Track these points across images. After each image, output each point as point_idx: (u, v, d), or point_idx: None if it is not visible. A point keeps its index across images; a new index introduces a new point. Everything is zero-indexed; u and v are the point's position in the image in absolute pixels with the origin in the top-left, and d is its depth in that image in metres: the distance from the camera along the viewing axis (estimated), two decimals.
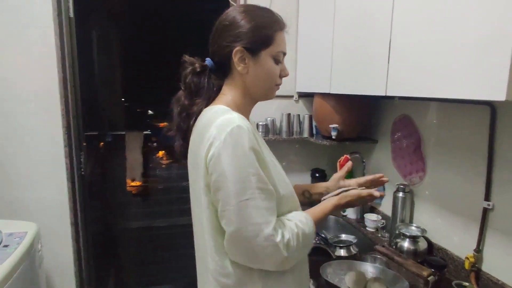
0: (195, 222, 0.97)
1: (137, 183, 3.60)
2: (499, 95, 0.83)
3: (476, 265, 1.28)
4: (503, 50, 0.81)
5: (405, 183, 1.65)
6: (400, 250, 1.44)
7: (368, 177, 1.13)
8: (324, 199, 1.03)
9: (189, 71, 0.95)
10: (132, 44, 4.04)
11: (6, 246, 1.43)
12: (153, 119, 5.24)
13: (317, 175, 2.14)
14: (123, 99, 4.07)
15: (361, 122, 1.89)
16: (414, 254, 1.43)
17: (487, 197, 1.24)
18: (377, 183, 1.13)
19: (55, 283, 1.94)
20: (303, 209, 0.98)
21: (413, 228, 1.52)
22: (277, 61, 0.93)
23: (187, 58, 0.97)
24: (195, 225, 0.98)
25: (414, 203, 1.63)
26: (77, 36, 1.90)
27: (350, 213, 1.95)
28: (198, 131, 0.90)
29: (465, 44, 0.93)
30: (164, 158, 4.73)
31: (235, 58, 0.89)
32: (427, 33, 1.07)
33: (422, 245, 1.46)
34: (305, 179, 2.19)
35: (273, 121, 2.11)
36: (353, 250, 1.53)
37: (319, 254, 1.49)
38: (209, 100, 0.96)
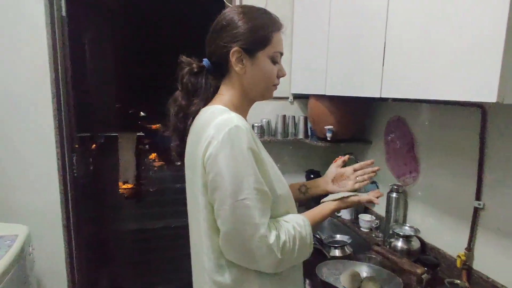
0: (192, 222, 0.97)
1: (129, 185, 3.57)
2: (490, 97, 0.85)
3: (468, 263, 1.30)
4: (494, 53, 0.83)
5: (399, 183, 1.67)
6: (393, 250, 1.46)
7: (361, 163, 1.15)
8: (323, 201, 1.04)
9: (186, 72, 0.96)
10: (125, 45, 4.02)
11: None
12: (145, 121, 5.21)
13: (311, 176, 2.15)
14: (115, 100, 4.04)
15: (355, 124, 1.91)
16: (408, 253, 1.45)
17: (478, 197, 1.27)
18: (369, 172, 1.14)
19: (46, 286, 1.91)
20: (300, 209, 0.99)
21: (407, 228, 1.54)
22: (274, 61, 0.94)
23: (184, 58, 0.97)
24: (192, 225, 0.97)
25: (407, 203, 1.65)
26: (69, 35, 1.88)
27: (345, 214, 1.97)
28: (196, 131, 0.90)
29: (457, 47, 0.95)
30: (156, 160, 4.70)
31: (233, 59, 0.90)
32: (420, 37, 1.09)
33: (415, 244, 1.48)
34: (299, 180, 2.17)
35: (268, 123, 2.12)
36: (348, 250, 1.54)
37: (314, 254, 1.49)
38: (207, 101, 0.96)
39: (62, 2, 1.82)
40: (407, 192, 1.65)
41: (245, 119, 0.96)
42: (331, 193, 1.12)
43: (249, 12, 0.92)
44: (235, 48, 0.89)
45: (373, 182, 1.84)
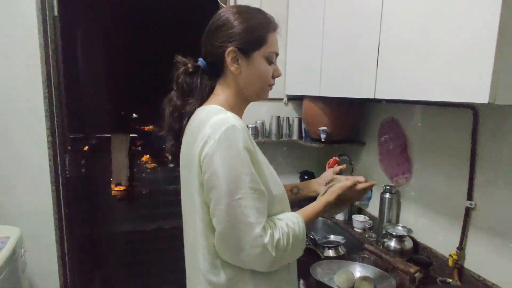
0: (187, 222, 0.97)
1: (121, 187, 3.54)
2: (482, 98, 0.86)
3: (459, 262, 1.32)
4: (486, 55, 0.85)
5: (392, 184, 1.68)
6: (387, 250, 1.47)
7: (357, 178, 1.08)
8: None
9: (182, 71, 0.96)
10: (118, 46, 3.99)
11: None
12: (137, 123, 5.18)
13: (305, 177, 2.16)
14: (107, 102, 4.01)
15: (349, 125, 1.92)
16: (401, 253, 1.46)
17: (469, 197, 1.29)
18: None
19: None
20: (293, 211, 0.98)
21: (399, 228, 1.56)
22: (270, 61, 0.94)
23: (179, 58, 0.97)
24: (187, 225, 0.97)
25: (400, 203, 1.67)
26: (61, 36, 1.87)
27: (338, 215, 1.98)
28: (191, 131, 0.90)
29: (449, 49, 0.97)
30: (149, 162, 4.67)
31: (228, 58, 0.90)
32: (414, 38, 1.10)
33: (408, 244, 1.49)
34: (294, 181, 2.20)
35: (262, 124, 2.12)
36: (341, 250, 1.55)
37: (308, 254, 1.50)
38: (202, 100, 0.96)
39: (55, 2, 1.81)
40: (400, 192, 1.66)
41: (241, 119, 0.96)
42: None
43: (244, 12, 0.92)
44: (230, 48, 0.89)
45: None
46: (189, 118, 0.95)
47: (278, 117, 2.11)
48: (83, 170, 3.13)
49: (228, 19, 0.91)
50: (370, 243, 1.57)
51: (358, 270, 1.31)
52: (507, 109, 1.16)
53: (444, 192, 1.43)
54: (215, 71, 0.96)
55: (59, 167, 1.89)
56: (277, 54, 0.96)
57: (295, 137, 2.12)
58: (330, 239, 1.62)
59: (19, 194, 1.82)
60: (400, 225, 1.58)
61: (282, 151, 2.22)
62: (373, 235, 1.73)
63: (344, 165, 1.22)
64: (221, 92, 0.95)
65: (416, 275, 1.25)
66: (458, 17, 0.94)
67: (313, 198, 1.09)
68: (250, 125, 2.05)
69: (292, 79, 2.04)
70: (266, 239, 0.80)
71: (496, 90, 0.85)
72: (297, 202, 1.15)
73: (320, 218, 2.00)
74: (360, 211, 1.96)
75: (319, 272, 1.29)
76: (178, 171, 0.99)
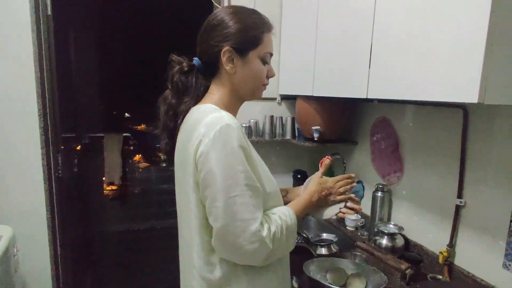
0: (182, 220, 0.98)
1: (113, 187, 3.53)
2: (471, 98, 0.88)
3: (449, 259, 1.34)
4: (476, 56, 0.87)
5: (384, 183, 1.71)
6: (378, 247, 1.50)
7: (344, 175, 1.13)
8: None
9: (177, 70, 0.96)
10: (111, 45, 3.98)
11: None
12: (129, 122, 5.16)
13: (298, 176, 2.18)
14: (100, 101, 3.98)
15: (342, 124, 1.94)
16: (392, 250, 1.48)
17: (459, 195, 1.32)
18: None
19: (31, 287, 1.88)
20: None
21: (391, 226, 1.58)
22: (264, 61, 0.95)
23: (174, 57, 0.98)
24: (182, 223, 0.98)
25: (392, 202, 1.69)
26: (54, 35, 1.86)
27: (331, 213, 1.99)
28: (186, 130, 0.91)
29: (440, 50, 0.99)
30: (141, 161, 4.66)
31: (224, 58, 0.91)
32: (405, 40, 1.12)
33: (399, 242, 1.52)
34: (287, 180, 2.23)
35: (256, 123, 2.13)
36: (334, 248, 1.56)
37: (301, 252, 1.51)
38: (197, 99, 0.97)
39: (48, 1, 1.80)
40: (392, 191, 1.69)
41: (235, 118, 0.97)
42: None
43: (240, 12, 0.93)
44: (226, 48, 0.90)
45: (359, 182, 1.88)
46: (184, 116, 0.96)
47: (272, 117, 2.12)
48: (75, 170, 3.11)
49: (224, 19, 0.92)
50: (362, 241, 1.59)
51: (350, 268, 1.33)
52: (496, 109, 1.18)
53: (435, 191, 1.45)
54: (210, 70, 0.97)
55: (52, 166, 1.88)
56: (271, 54, 0.97)
57: (288, 136, 2.14)
58: (322, 238, 1.64)
59: (12, 194, 1.81)
60: (392, 223, 1.60)
61: (276, 150, 2.24)
62: (365, 233, 1.75)
63: (328, 160, 1.21)
64: (216, 91, 0.96)
65: (407, 271, 1.28)
66: (448, 19, 0.96)
67: None
68: (244, 125, 2.06)
69: (285, 79, 2.05)
70: (264, 233, 0.82)
71: (485, 90, 0.86)
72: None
73: (313, 218, 2.02)
74: (352, 209, 1.98)
75: (312, 269, 1.31)
76: (171, 171, 0.99)
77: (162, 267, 3.05)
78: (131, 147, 4.64)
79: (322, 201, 1.05)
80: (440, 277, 1.31)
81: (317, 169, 1.68)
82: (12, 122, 1.77)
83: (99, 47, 3.72)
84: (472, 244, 1.29)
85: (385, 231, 1.53)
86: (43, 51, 1.79)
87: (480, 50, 0.86)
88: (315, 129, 1.85)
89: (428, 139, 1.48)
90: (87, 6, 3.19)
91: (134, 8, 3.62)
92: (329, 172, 1.25)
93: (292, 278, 1.31)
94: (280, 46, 2.04)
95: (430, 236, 1.47)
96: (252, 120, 2.12)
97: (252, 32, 0.92)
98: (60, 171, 1.95)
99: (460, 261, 1.34)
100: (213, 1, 2.00)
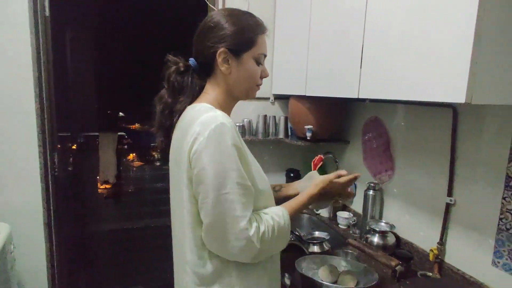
0: (175, 215, 1.00)
1: (108, 185, 3.53)
2: (459, 98, 0.91)
3: (439, 257, 1.37)
4: (463, 57, 0.89)
5: (375, 181, 1.74)
6: (370, 245, 1.52)
7: (339, 172, 1.14)
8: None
9: (173, 70, 0.98)
10: (106, 46, 3.97)
11: None
12: (123, 121, 5.14)
13: (291, 175, 2.20)
14: (95, 101, 3.97)
15: (334, 124, 1.97)
16: (383, 248, 1.51)
17: (449, 193, 1.35)
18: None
19: (27, 285, 1.88)
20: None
21: (382, 224, 1.60)
22: (258, 62, 0.98)
23: (171, 57, 1.00)
24: (175, 219, 1.00)
25: (383, 200, 1.72)
26: (52, 36, 1.86)
27: (323, 212, 2.02)
28: (181, 128, 0.93)
29: (429, 50, 1.02)
30: (136, 160, 4.65)
31: (219, 59, 0.93)
32: (395, 41, 1.15)
33: (391, 239, 1.54)
34: (280, 179, 2.25)
35: (249, 122, 2.15)
36: (326, 246, 1.58)
37: (294, 250, 1.53)
38: (192, 99, 0.99)
39: (46, 3, 1.80)
40: (383, 189, 1.72)
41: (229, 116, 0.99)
42: None
43: (235, 15, 0.96)
44: (221, 49, 0.92)
45: None
46: (179, 115, 0.98)
47: (265, 116, 2.14)
48: (70, 169, 3.11)
49: (220, 21, 0.94)
50: (354, 239, 1.61)
51: (342, 265, 1.35)
52: (485, 109, 1.21)
53: (426, 189, 1.48)
54: (205, 70, 0.99)
55: (49, 165, 1.89)
56: (265, 56, 1.00)
57: (281, 135, 2.16)
58: (315, 235, 1.65)
59: (9, 191, 1.82)
60: (383, 221, 1.62)
61: (269, 150, 2.26)
62: (357, 231, 1.78)
63: (319, 158, 1.24)
64: (211, 91, 0.98)
65: (397, 268, 1.30)
66: (437, 20, 0.99)
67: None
68: (238, 124, 2.08)
69: (278, 79, 2.07)
70: (252, 232, 0.84)
71: (472, 90, 0.89)
72: (282, 199, 1.18)
73: (305, 216, 2.05)
74: (344, 208, 2.01)
75: (304, 266, 1.33)
76: (165, 169, 1.01)
77: (156, 265, 3.05)
78: (126, 146, 4.63)
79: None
80: (430, 274, 1.34)
81: (310, 168, 1.72)
82: (10, 121, 1.78)
83: (96, 47, 3.72)
84: (461, 241, 1.32)
85: (377, 229, 1.55)
86: (41, 52, 1.80)
87: (467, 51, 0.88)
88: (308, 129, 1.87)
89: (419, 138, 1.51)
90: (84, 7, 3.19)
91: (131, 9, 3.63)
92: (322, 171, 1.27)
93: (284, 275, 1.33)
94: (274, 47, 2.06)
95: (421, 234, 1.50)
96: (246, 120, 2.14)
97: (247, 34, 0.94)
98: (56, 170, 1.95)
99: (450, 258, 1.36)
100: (207, 3, 2.02)
